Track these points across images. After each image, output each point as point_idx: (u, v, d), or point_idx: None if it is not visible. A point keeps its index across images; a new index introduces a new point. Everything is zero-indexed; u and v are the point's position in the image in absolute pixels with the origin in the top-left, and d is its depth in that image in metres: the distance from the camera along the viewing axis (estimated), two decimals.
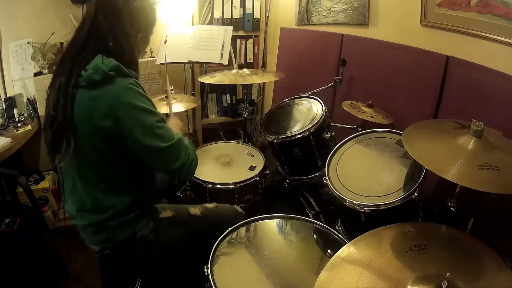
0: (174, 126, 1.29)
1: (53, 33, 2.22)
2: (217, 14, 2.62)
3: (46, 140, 1.09)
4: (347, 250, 0.95)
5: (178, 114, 2.15)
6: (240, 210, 1.43)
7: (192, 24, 2.56)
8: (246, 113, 2.21)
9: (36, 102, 2.23)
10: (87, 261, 1.90)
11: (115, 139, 1.01)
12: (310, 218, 1.41)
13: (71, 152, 1.02)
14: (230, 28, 2.33)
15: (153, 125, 1.03)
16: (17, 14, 2.20)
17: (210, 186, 1.62)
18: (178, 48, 2.31)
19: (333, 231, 1.26)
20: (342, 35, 2.07)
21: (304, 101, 1.87)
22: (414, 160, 1.07)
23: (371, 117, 1.61)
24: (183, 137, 1.14)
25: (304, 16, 2.34)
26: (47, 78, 2.18)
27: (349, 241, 1.00)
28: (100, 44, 1.03)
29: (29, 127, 2.04)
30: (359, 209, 1.19)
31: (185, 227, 1.30)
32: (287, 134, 1.70)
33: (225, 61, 2.28)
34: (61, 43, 2.26)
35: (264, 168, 1.75)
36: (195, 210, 1.34)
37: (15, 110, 2.14)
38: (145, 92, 1.06)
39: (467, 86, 1.44)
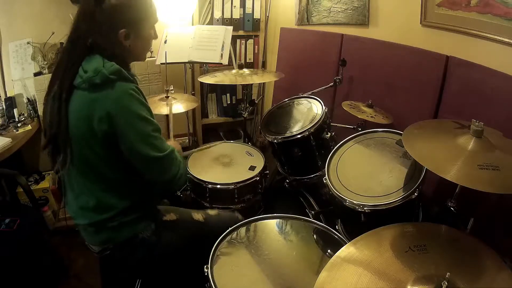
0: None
1: (53, 33, 2.22)
2: (217, 14, 2.62)
3: (47, 150, 1.10)
4: (347, 250, 0.95)
5: (178, 115, 2.16)
6: (241, 217, 1.44)
7: (192, 24, 2.56)
8: (246, 113, 2.21)
9: (36, 102, 2.23)
10: (87, 261, 1.90)
11: (111, 142, 1.02)
12: (310, 218, 1.41)
13: (69, 163, 1.05)
14: (230, 28, 2.33)
15: (148, 133, 1.03)
16: (17, 14, 2.20)
17: (210, 186, 1.62)
18: (178, 48, 2.31)
19: (333, 231, 1.26)
20: (342, 35, 2.07)
21: (304, 101, 1.87)
22: (414, 160, 1.07)
23: (371, 117, 1.61)
24: (175, 151, 1.14)
25: (304, 16, 2.34)
26: (47, 78, 2.16)
27: (349, 241, 1.00)
28: (82, 45, 1.02)
29: (29, 127, 2.04)
30: (359, 209, 1.19)
31: (187, 231, 1.30)
32: (287, 134, 1.70)
33: (225, 61, 2.28)
34: (61, 43, 2.26)
35: (264, 168, 1.75)
36: (198, 215, 1.35)
37: (15, 110, 2.14)
38: (145, 99, 1.06)
39: (467, 86, 1.44)
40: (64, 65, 1.05)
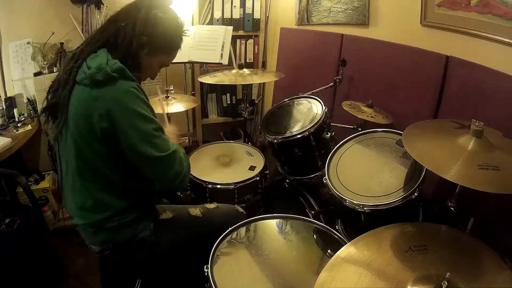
0: (170, 134, 1.29)
1: (53, 33, 2.22)
2: (217, 14, 2.62)
3: (44, 116, 1.12)
4: (347, 250, 0.95)
5: (178, 115, 2.15)
6: (240, 209, 1.43)
7: (192, 24, 2.56)
8: (246, 113, 2.21)
9: (36, 102, 2.23)
10: (87, 261, 1.90)
11: (111, 140, 1.01)
12: (310, 218, 1.41)
13: (62, 124, 1.06)
14: (230, 28, 2.33)
15: (149, 132, 1.02)
16: (17, 14, 2.20)
17: (210, 186, 1.62)
18: None
19: (333, 231, 1.26)
20: (342, 35, 2.07)
21: (304, 101, 1.87)
22: (414, 160, 1.07)
23: (371, 117, 1.61)
24: (179, 148, 1.14)
25: (304, 16, 2.34)
26: (47, 78, 2.18)
27: (349, 241, 1.01)
28: (108, 35, 1.07)
29: (29, 127, 2.04)
30: (359, 209, 1.19)
31: (186, 228, 1.29)
32: (287, 134, 1.70)
33: (225, 61, 2.28)
34: (61, 43, 2.26)
35: (264, 168, 1.75)
36: (195, 211, 1.34)
37: (15, 110, 2.14)
38: (146, 98, 1.06)
39: (467, 86, 1.44)
40: (82, 47, 1.09)
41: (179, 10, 2.34)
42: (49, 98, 1.11)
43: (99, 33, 1.11)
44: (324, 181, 1.33)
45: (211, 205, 1.40)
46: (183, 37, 1.18)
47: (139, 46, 1.08)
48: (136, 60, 1.10)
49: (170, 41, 1.15)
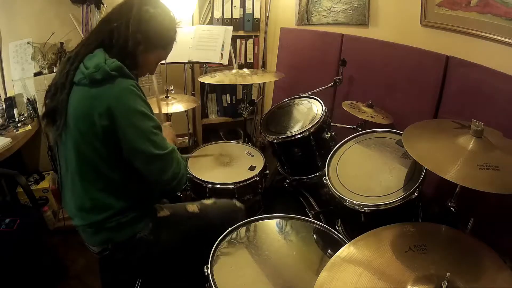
0: (166, 136, 1.29)
1: (53, 33, 2.22)
2: (217, 14, 2.62)
3: (44, 121, 1.12)
4: (347, 250, 0.95)
5: (178, 115, 2.15)
6: (239, 204, 1.43)
7: (192, 24, 2.56)
8: (246, 113, 2.21)
9: (36, 102, 2.23)
10: (87, 261, 1.90)
11: (111, 138, 1.02)
12: (310, 218, 1.41)
13: (61, 127, 1.06)
14: (230, 28, 2.33)
15: (148, 130, 1.03)
16: (17, 14, 2.20)
17: (210, 186, 1.62)
18: (178, 48, 2.28)
19: (333, 231, 1.26)
20: (342, 35, 2.07)
21: (304, 101, 1.87)
22: (414, 160, 1.07)
23: (371, 117, 1.61)
24: (176, 150, 1.14)
25: (304, 16, 2.34)
26: (47, 78, 2.18)
27: (349, 241, 1.01)
28: (102, 35, 1.07)
29: (29, 127, 2.04)
30: (359, 209, 1.19)
31: (184, 224, 1.29)
32: (287, 134, 1.70)
33: (225, 61, 2.28)
34: (61, 43, 2.26)
35: (264, 168, 1.75)
36: (193, 207, 1.33)
37: (15, 110, 2.14)
38: (144, 96, 1.07)
39: (467, 86, 1.44)
40: (77, 49, 1.09)
41: (179, 10, 2.34)
42: (47, 103, 1.11)
43: (93, 34, 1.11)
44: (324, 181, 1.33)
45: (209, 201, 1.40)
46: (177, 30, 1.19)
47: (135, 44, 1.08)
48: (133, 58, 1.10)
49: (165, 36, 1.15)
